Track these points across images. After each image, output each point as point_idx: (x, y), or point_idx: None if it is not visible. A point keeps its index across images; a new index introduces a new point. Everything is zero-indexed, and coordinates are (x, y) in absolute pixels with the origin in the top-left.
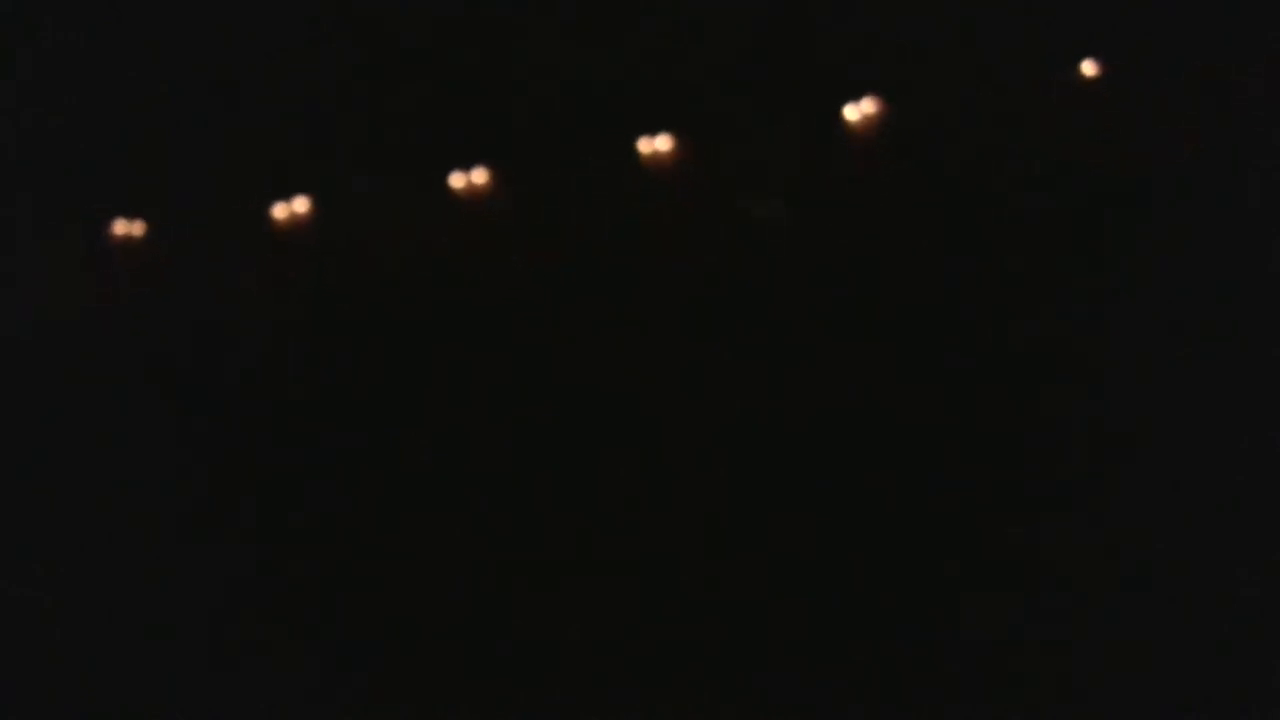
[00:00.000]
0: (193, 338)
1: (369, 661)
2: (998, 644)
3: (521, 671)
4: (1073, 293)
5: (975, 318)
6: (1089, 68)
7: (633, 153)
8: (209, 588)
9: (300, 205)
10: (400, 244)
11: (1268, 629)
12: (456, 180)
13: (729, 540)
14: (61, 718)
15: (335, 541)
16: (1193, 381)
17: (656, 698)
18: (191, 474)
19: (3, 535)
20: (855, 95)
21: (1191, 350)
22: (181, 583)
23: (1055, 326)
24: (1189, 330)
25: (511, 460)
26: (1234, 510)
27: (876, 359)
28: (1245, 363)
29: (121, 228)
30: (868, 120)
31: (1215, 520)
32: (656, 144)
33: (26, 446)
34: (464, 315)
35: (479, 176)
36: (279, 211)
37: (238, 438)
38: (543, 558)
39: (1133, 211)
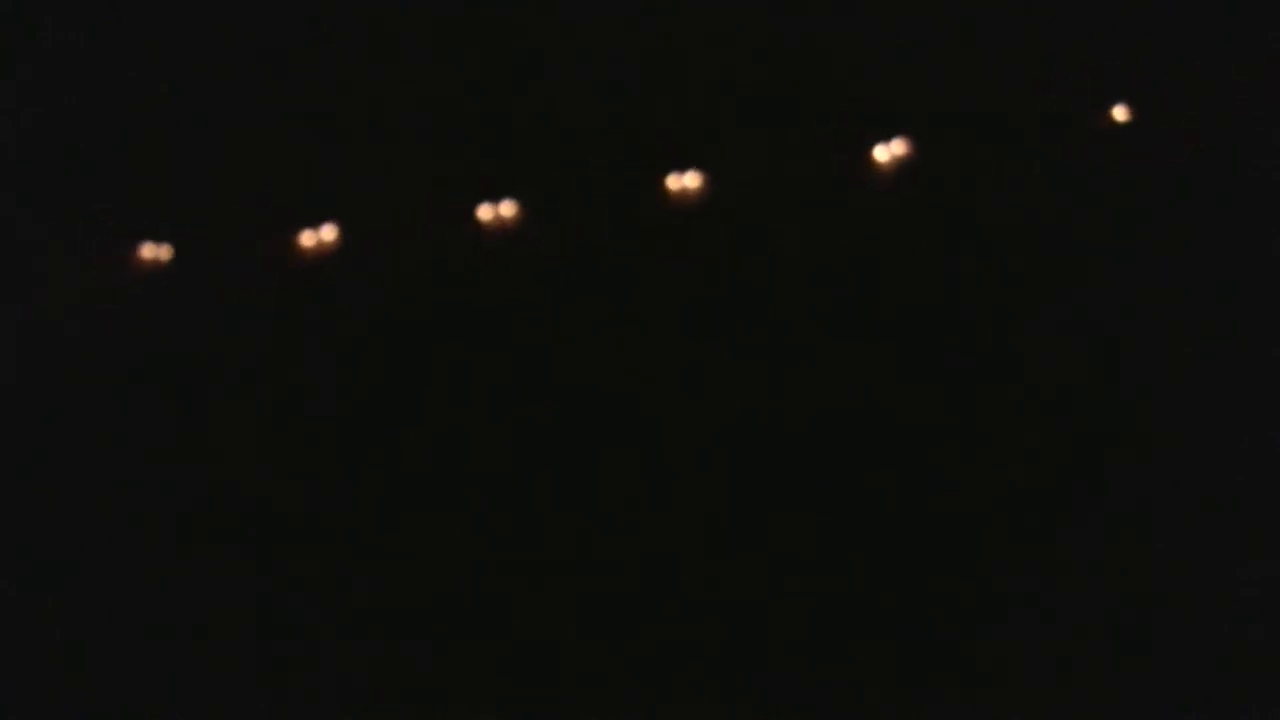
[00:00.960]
0: (193, 338)
1: (369, 661)
2: (997, 643)
3: (522, 671)
4: (1073, 293)
5: (975, 318)
6: (1120, 112)
7: (660, 189)
8: (208, 588)
9: (328, 233)
10: (425, 273)
11: (1268, 629)
12: (484, 213)
13: (729, 540)
14: (61, 718)
15: (336, 541)
16: (1193, 381)
17: (656, 698)
18: (191, 474)
19: (2, 535)
20: (885, 136)
21: (1191, 350)
22: (181, 583)
23: (1055, 326)
24: (1189, 330)
25: (511, 460)
26: (1234, 510)
27: (876, 359)
28: (1245, 363)
29: (149, 251)
30: (896, 160)
31: (1215, 520)
32: (685, 181)
33: (27, 446)
34: (464, 315)
35: (507, 209)
36: (306, 239)
37: (238, 438)
38: (543, 558)
39: (1133, 211)
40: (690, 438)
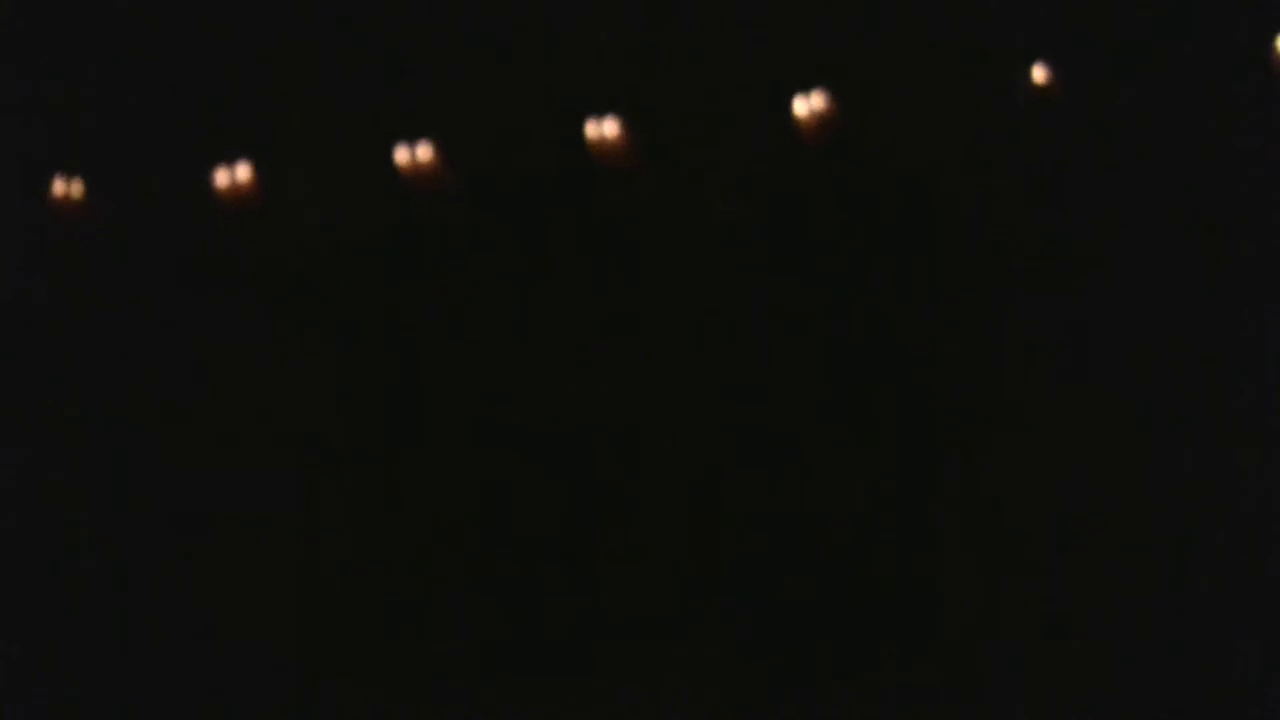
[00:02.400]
0: (145, 320)
1: (367, 661)
2: (997, 644)
3: (517, 671)
4: (1071, 291)
5: (974, 317)
6: (1039, 73)
7: (580, 136)
8: (199, 587)
9: (242, 172)
10: (344, 219)
11: (1267, 630)
12: (401, 155)
13: (728, 540)
14: (61, 717)
15: (334, 540)
16: (1191, 381)
17: (656, 697)
18: (171, 473)
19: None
20: (805, 88)
21: (1190, 349)
22: (172, 584)
23: (1054, 326)
24: (1188, 329)
25: (510, 462)
26: (1233, 511)
27: (876, 361)
28: (1244, 362)
29: (60, 188)
30: (818, 115)
31: (1215, 521)
32: (604, 128)
33: None
34: (457, 314)
35: (424, 152)
36: (221, 178)
37: (230, 436)
38: (541, 557)
39: (1125, 209)
40: (689, 438)
